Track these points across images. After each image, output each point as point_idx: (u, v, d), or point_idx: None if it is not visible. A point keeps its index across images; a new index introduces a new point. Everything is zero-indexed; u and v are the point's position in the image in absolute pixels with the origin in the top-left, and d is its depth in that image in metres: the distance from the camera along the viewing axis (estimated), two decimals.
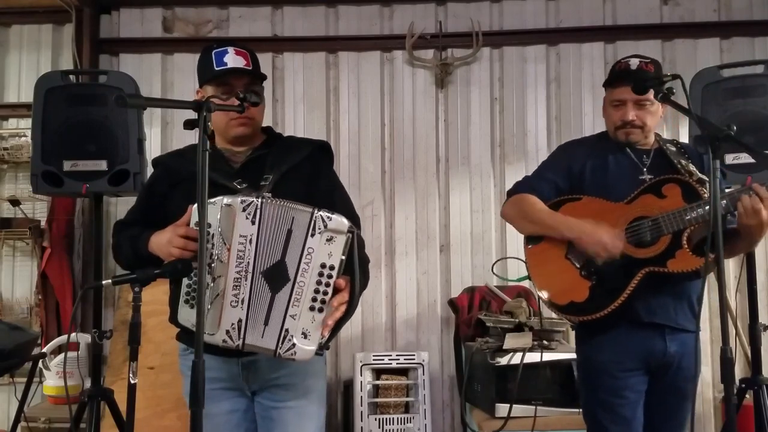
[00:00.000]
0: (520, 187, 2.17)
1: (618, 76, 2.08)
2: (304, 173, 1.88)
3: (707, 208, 1.85)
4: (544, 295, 2.09)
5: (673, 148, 2.10)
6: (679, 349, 1.99)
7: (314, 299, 1.64)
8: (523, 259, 2.17)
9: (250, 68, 1.86)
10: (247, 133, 1.89)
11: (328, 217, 1.64)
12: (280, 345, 1.64)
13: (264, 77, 1.92)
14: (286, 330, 1.64)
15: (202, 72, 1.89)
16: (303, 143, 1.99)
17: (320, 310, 1.64)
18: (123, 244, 1.88)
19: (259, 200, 1.65)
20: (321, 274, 1.64)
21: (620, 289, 1.94)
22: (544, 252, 2.10)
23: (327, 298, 1.64)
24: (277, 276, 1.65)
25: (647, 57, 2.10)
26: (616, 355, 2.01)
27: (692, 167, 2.02)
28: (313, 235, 1.64)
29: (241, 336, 1.64)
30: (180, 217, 1.72)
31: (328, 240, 1.64)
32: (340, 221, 1.64)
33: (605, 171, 2.08)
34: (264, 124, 1.98)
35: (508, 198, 2.19)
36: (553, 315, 2.68)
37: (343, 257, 1.65)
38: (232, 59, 1.84)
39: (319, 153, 1.96)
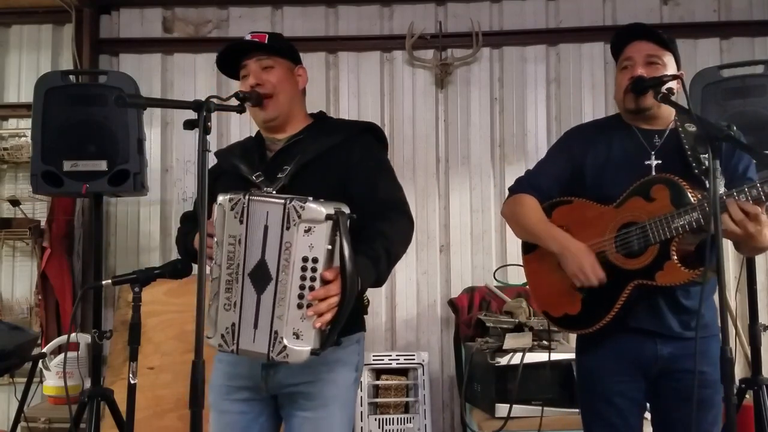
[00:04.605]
0: (519, 186, 2.07)
1: (623, 34, 1.93)
2: (337, 161, 1.77)
3: (695, 215, 1.72)
4: (540, 306, 2.03)
5: (692, 129, 1.87)
6: (676, 351, 1.85)
7: (301, 296, 1.51)
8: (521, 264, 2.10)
9: (257, 42, 1.81)
10: (270, 116, 1.82)
11: (301, 207, 1.50)
12: (271, 348, 1.53)
13: (280, 48, 1.84)
14: (275, 332, 1.53)
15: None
16: (343, 127, 1.89)
17: (309, 307, 1.51)
18: (179, 237, 1.91)
19: (246, 198, 1.56)
20: (304, 269, 1.51)
21: (611, 303, 1.84)
22: (538, 261, 2.02)
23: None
24: (260, 276, 1.55)
25: None
26: (603, 360, 1.92)
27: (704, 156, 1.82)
28: (288, 228, 1.52)
29: (235, 341, 1.58)
30: None
31: (306, 231, 1.50)
32: (315, 209, 1.50)
33: (606, 160, 1.94)
34: None
35: (508, 196, 2.09)
36: None
37: (329, 246, 1.51)
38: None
39: (360, 137, 1.84)
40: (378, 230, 1.65)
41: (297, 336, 1.51)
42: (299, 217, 1.50)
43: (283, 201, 1.52)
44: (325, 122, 1.92)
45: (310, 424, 1.72)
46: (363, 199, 1.69)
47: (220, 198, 1.60)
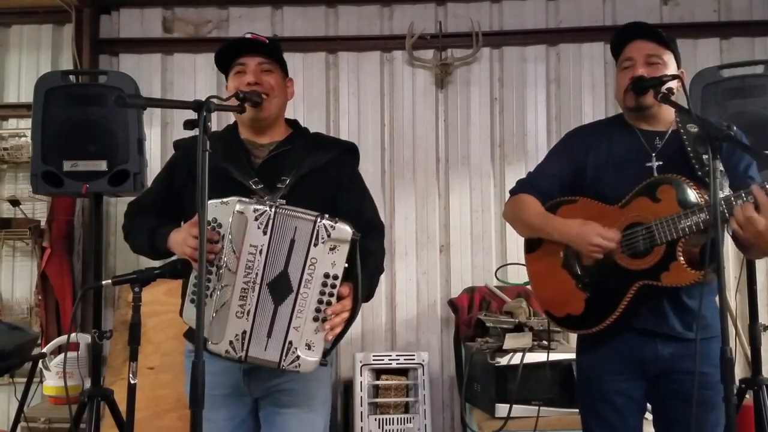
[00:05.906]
0: (520, 187, 2.07)
1: (623, 33, 1.95)
2: (329, 177, 1.85)
3: (702, 215, 1.70)
4: (543, 305, 2.03)
5: (694, 130, 1.86)
6: (677, 352, 1.84)
7: (318, 310, 1.61)
8: (524, 263, 2.09)
9: (263, 41, 1.84)
10: (262, 115, 1.84)
11: (332, 226, 1.60)
12: (283, 358, 1.62)
13: (272, 51, 1.88)
14: (290, 342, 1.61)
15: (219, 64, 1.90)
16: (329, 144, 1.95)
17: (324, 320, 1.61)
18: (138, 231, 1.87)
19: (272, 210, 1.60)
20: (324, 284, 1.61)
21: (615, 303, 1.84)
22: (540, 260, 2.01)
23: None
24: (280, 287, 1.62)
25: None
26: (602, 359, 1.92)
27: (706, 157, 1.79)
28: (316, 245, 1.60)
29: (245, 348, 1.62)
30: (195, 212, 1.70)
31: (331, 249, 1.60)
32: (344, 229, 1.61)
33: (607, 160, 1.94)
34: None
35: (509, 198, 2.10)
36: None
37: (346, 265, 1.62)
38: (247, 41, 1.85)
39: (347, 156, 1.93)
40: (368, 249, 1.76)
41: (309, 347, 1.62)
42: (328, 235, 1.60)
43: (313, 218, 1.60)
44: (306, 134, 1.97)
45: (295, 419, 1.78)
46: (351, 217, 1.74)
47: (239, 205, 1.61)
